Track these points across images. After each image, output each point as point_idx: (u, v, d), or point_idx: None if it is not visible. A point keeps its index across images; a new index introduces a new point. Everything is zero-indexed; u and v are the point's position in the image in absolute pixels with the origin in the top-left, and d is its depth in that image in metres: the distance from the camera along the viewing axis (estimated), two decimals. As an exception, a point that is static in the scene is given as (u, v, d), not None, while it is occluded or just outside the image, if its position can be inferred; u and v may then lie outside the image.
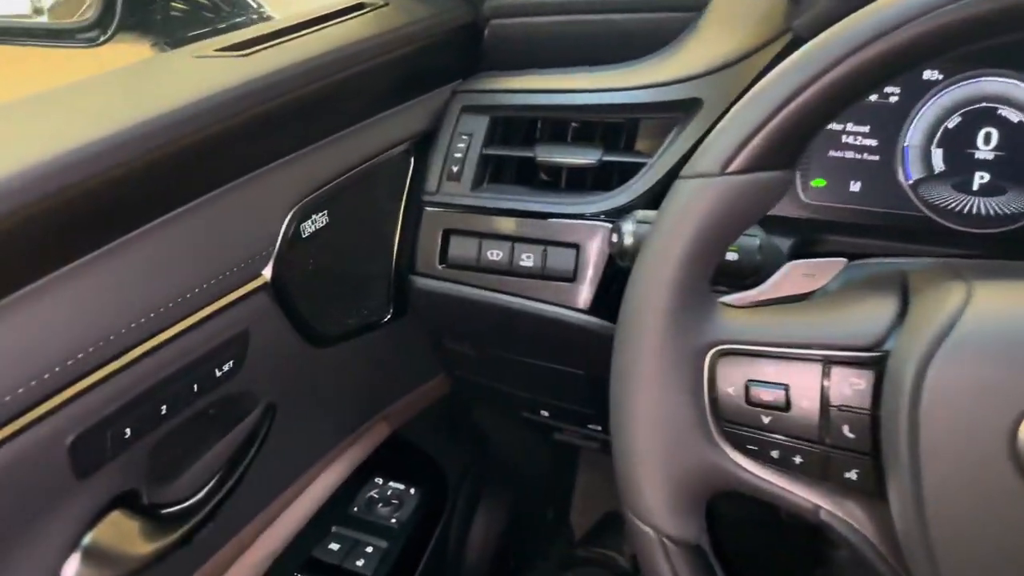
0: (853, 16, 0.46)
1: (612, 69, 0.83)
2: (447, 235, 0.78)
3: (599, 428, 0.97)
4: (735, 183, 0.49)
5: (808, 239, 0.76)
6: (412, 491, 0.91)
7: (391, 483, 0.92)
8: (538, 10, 0.87)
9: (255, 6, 1.32)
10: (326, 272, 0.68)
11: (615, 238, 0.65)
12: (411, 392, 0.97)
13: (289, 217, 0.61)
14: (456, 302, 0.79)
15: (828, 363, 0.49)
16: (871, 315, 0.51)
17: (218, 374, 0.56)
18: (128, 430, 0.49)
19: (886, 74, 0.46)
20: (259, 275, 0.59)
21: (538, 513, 1.37)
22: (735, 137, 0.49)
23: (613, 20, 0.87)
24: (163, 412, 0.51)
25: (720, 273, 0.68)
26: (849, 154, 0.76)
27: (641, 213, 0.65)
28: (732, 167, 0.49)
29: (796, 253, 0.76)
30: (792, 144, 0.49)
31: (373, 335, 0.80)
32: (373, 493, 0.91)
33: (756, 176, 0.49)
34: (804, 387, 0.49)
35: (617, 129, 0.80)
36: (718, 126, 0.50)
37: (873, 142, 0.75)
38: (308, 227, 0.63)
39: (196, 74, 0.57)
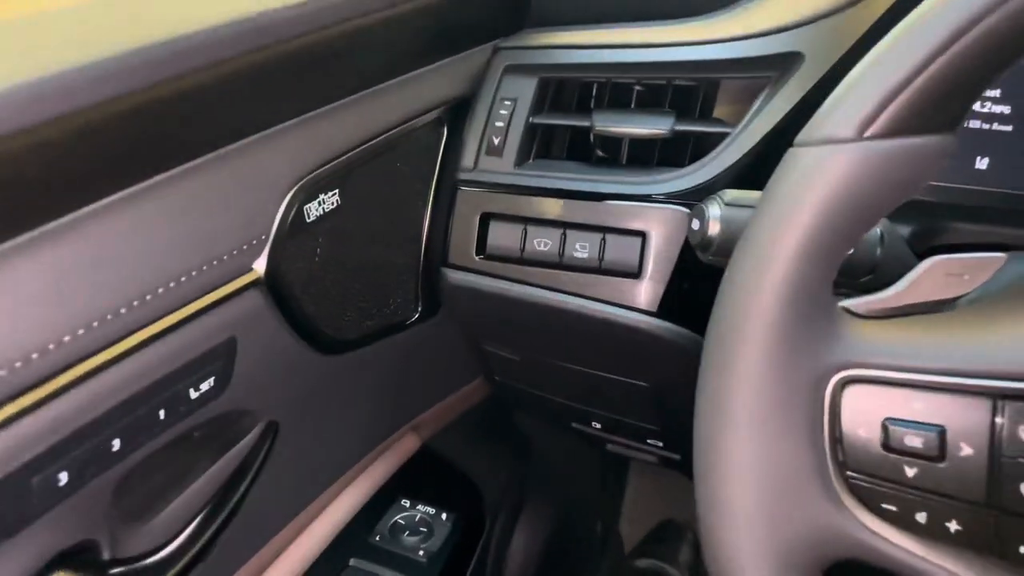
0: None
1: (685, 22, 0.69)
2: (486, 220, 0.65)
3: (660, 444, 0.84)
4: (878, 151, 0.37)
5: (927, 227, 0.62)
6: (444, 516, 0.79)
7: (420, 506, 0.80)
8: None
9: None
10: (338, 265, 0.56)
11: (696, 225, 0.52)
12: (444, 399, 0.85)
13: (290, 196, 0.49)
14: (496, 300, 0.66)
15: (1001, 398, 0.37)
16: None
17: (194, 395, 0.44)
18: (64, 474, 0.37)
19: None
20: (249, 269, 0.47)
21: (586, 526, 1.26)
22: (877, 91, 0.36)
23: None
24: (115, 448, 0.40)
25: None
26: (975, 124, 0.61)
27: (731, 194, 0.51)
28: (873, 130, 0.36)
29: (912, 244, 0.62)
30: (956, 99, 0.37)
31: (398, 337, 0.68)
32: (399, 518, 0.79)
33: (907, 142, 0.37)
34: (966, 430, 0.38)
35: (690, 93, 0.67)
36: (849, 78, 0.38)
37: (1005, 109, 0.61)
38: (314, 209, 0.51)
39: (174, 8, 0.44)
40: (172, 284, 0.42)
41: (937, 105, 0.36)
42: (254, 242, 0.47)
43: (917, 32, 0.36)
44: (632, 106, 0.70)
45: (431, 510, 0.80)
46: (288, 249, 0.50)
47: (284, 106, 0.50)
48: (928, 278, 0.45)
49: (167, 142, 0.42)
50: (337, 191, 0.53)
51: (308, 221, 0.51)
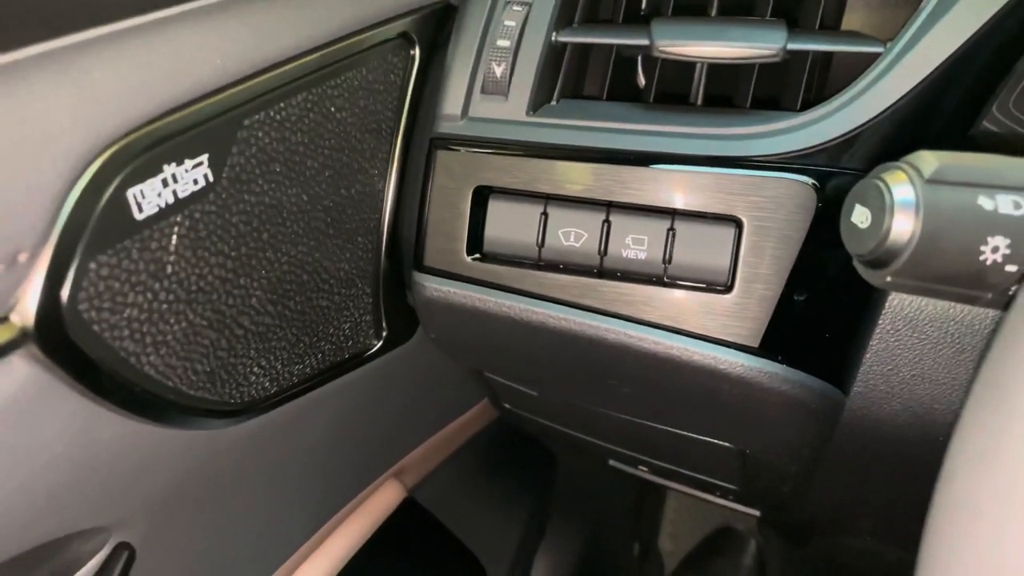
0: None
1: None
2: (482, 199, 0.41)
3: (734, 500, 0.62)
4: None
5: None
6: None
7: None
8: None
9: None
10: (213, 288, 0.33)
11: (862, 218, 0.28)
12: (434, 435, 0.62)
13: (93, 172, 0.26)
14: (499, 323, 0.42)
15: None
16: None
17: None
18: None
19: None
20: (2, 321, 0.24)
21: (620, 550, 1.05)
22: None
23: None
24: None
25: None
26: None
27: (934, 159, 0.27)
28: None
29: None
30: None
31: (353, 375, 0.44)
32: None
33: None
34: None
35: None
36: None
37: None
38: (151, 194, 0.28)
39: None
40: None
41: None
42: (7, 264, 0.24)
43: None
44: (713, 12, 0.45)
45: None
46: (93, 271, 0.26)
47: None
48: None
49: None
50: (205, 157, 0.29)
51: (139, 217, 0.27)
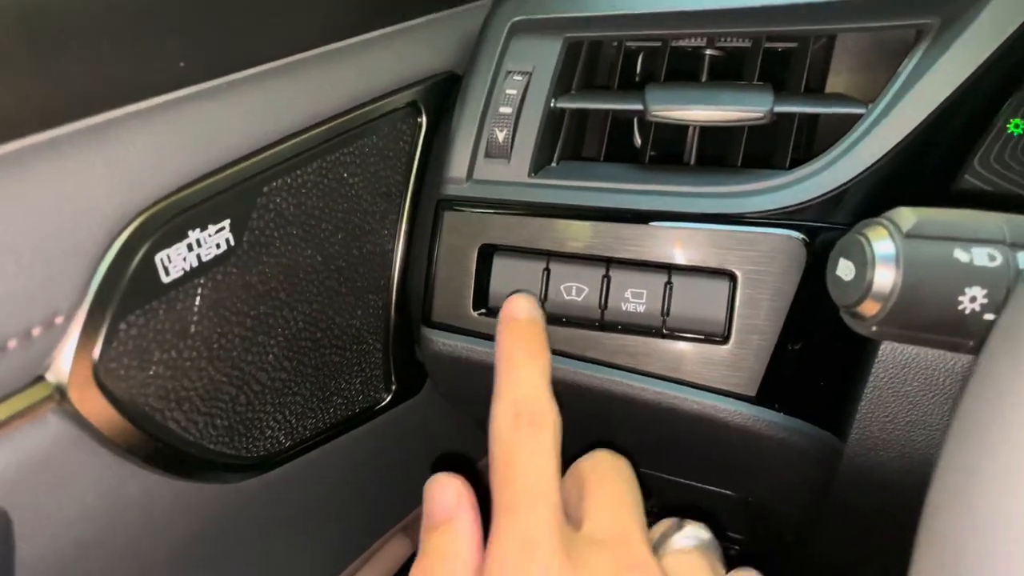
0: None
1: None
2: (488, 256, 0.43)
3: (742, 549, 0.62)
4: None
5: None
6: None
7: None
8: None
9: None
10: (232, 347, 0.34)
11: (846, 271, 0.30)
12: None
13: (125, 238, 0.28)
14: (505, 376, 0.44)
15: None
16: None
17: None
18: None
19: None
20: (39, 378, 0.26)
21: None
22: None
23: None
24: None
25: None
26: None
27: (913, 215, 0.29)
28: None
29: None
30: None
31: (363, 428, 0.46)
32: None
33: None
34: None
35: (791, 57, 0.45)
36: None
37: None
38: (178, 258, 0.29)
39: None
40: None
41: None
42: (44, 326, 0.26)
43: None
44: (703, 78, 0.47)
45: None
46: (123, 331, 0.28)
47: (128, 75, 0.28)
48: None
49: None
50: (227, 222, 0.31)
51: (165, 280, 0.29)
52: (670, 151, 0.47)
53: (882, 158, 0.38)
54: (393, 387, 0.46)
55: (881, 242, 0.28)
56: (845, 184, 0.39)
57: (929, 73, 0.38)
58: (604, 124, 0.47)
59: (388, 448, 0.51)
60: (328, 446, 0.44)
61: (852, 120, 0.40)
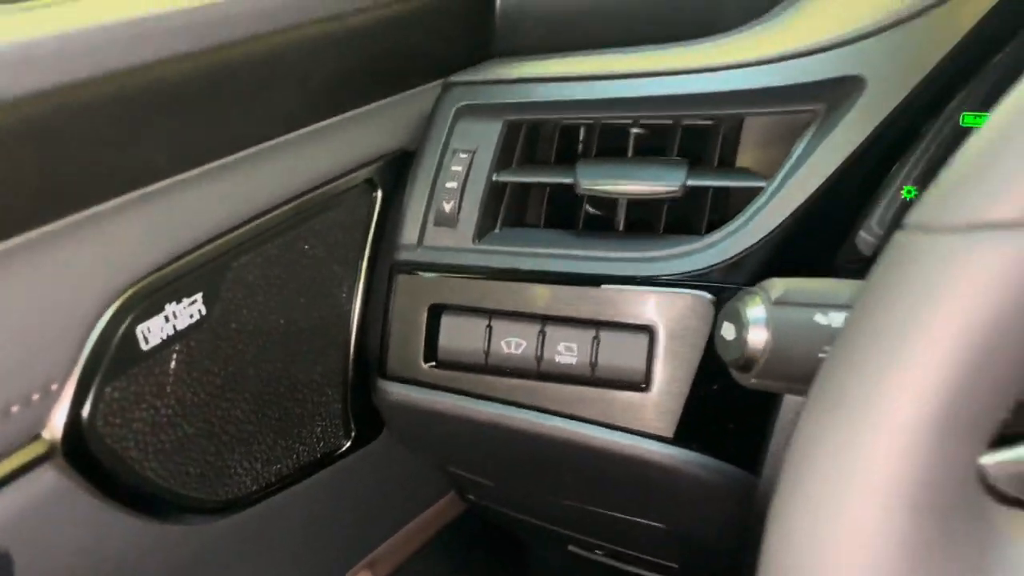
0: None
1: (698, 43, 0.53)
2: (437, 315, 0.48)
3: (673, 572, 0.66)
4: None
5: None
6: None
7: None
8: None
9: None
10: (205, 403, 0.39)
11: (729, 332, 0.35)
12: (406, 525, 0.67)
13: (111, 313, 0.32)
14: (453, 422, 0.49)
15: None
16: None
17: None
18: None
19: None
20: (36, 436, 0.30)
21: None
22: None
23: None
24: None
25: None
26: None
27: (782, 285, 0.34)
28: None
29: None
30: None
31: (326, 472, 0.50)
32: None
33: None
34: None
35: (706, 135, 0.50)
36: (997, 123, 0.21)
37: None
38: (157, 329, 0.34)
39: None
40: None
41: None
42: (41, 392, 0.30)
43: None
44: (629, 154, 0.53)
45: None
46: (108, 394, 0.33)
47: (111, 173, 0.33)
48: None
49: None
50: (199, 295, 0.36)
51: (145, 348, 0.34)
52: (604, 217, 0.52)
53: (777, 227, 0.44)
54: (353, 434, 0.50)
55: (754, 308, 0.34)
56: (745, 251, 0.44)
57: (816, 152, 0.44)
58: (543, 195, 0.52)
59: (350, 489, 0.55)
60: (293, 489, 0.48)
61: (755, 192, 0.46)
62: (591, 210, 0.51)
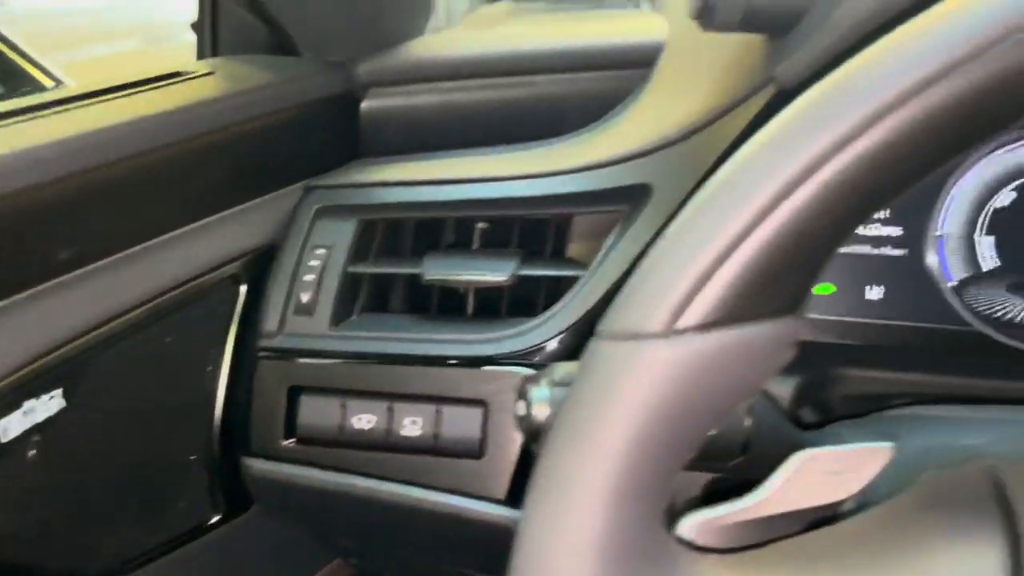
0: (876, 51, 0.25)
1: (532, 148, 0.61)
2: (295, 395, 0.53)
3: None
4: (698, 347, 0.27)
5: (818, 377, 0.53)
6: None
7: None
8: (436, 73, 0.65)
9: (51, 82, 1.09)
10: (68, 487, 0.43)
11: (521, 409, 0.41)
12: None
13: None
14: (312, 493, 0.53)
15: None
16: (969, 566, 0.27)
17: None
18: None
19: (952, 145, 0.26)
20: None
21: None
22: (686, 273, 0.26)
23: (533, 84, 0.65)
24: None
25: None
26: (864, 248, 0.53)
27: (564, 369, 0.41)
28: (688, 321, 0.26)
29: (802, 399, 0.53)
30: (790, 277, 0.27)
31: (196, 545, 0.54)
32: None
33: (731, 334, 0.27)
34: None
35: (542, 229, 0.57)
36: (655, 251, 0.28)
37: (896, 231, 0.53)
38: (15, 422, 0.39)
39: None
40: None
41: (763, 287, 0.26)
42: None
43: (741, 183, 0.26)
44: (475, 246, 0.60)
45: None
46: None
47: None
48: (800, 479, 0.35)
49: None
50: (59, 391, 0.41)
51: (5, 441, 0.38)
52: (456, 303, 0.58)
53: (588, 311, 0.51)
54: (222, 508, 0.55)
55: (539, 388, 0.40)
56: (562, 331, 0.51)
57: (618, 247, 0.51)
58: (403, 283, 0.59)
59: (225, 563, 0.59)
60: (164, 561, 0.52)
61: (574, 281, 0.53)
62: (443, 296, 0.58)
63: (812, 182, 0.25)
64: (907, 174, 0.27)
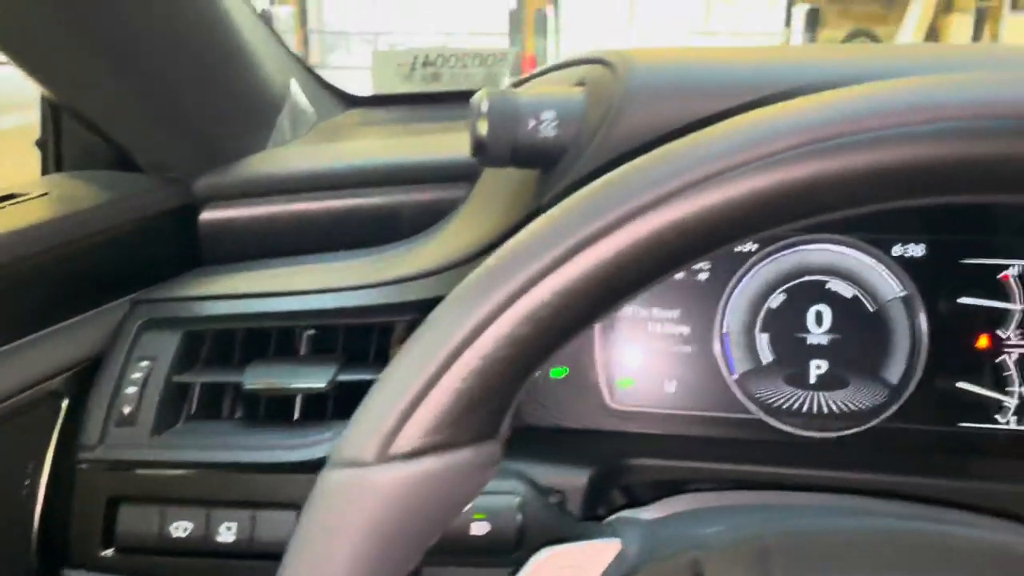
0: (607, 181, 0.30)
1: (361, 257, 0.66)
2: (114, 505, 0.55)
3: None
4: (409, 473, 0.31)
5: (618, 463, 0.58)
6: None
7: None
8: (272, 187, 0.70)
9: None
10: None
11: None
12: None
13: None
14: (130, 602, 0.55)
15: None
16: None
17: None
18: None
19: (660, 267, 0.30)
20: None
21: None
22: (393, 405, 0.31)
23: (368, 195, 0.70)
24: None
25: (468, 551, 0.48)
26: (660, 345, 0.59)
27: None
28: (395, 449, 0.31)
29: (603, 483, 0.58)
30: (483, 409, 0.31)
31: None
32: None
33: (435, 460, 0.31)
34: None
35: (367, 334, 0.61)
36: (373, 388, 0.33)
37: (686, 329, 0.59)
38: None
39: None
40: None
41: (460, 417, 0.31)
42: None
43: (444, 316, 0.31)
44: (302, 351, 0.63)
45: None
46: None
47: None
48: (541, 573, 0.40)
49: None
50: None
51: None
52: (285, 408, 0.61)
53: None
54: (42, 621, 0.55)
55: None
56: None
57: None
58: (230, 391, 0.61)
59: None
60: None
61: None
62: (273, 401, 0.61)
63: (503, 320, 0.30)
64: (591, 309, 0.32)
